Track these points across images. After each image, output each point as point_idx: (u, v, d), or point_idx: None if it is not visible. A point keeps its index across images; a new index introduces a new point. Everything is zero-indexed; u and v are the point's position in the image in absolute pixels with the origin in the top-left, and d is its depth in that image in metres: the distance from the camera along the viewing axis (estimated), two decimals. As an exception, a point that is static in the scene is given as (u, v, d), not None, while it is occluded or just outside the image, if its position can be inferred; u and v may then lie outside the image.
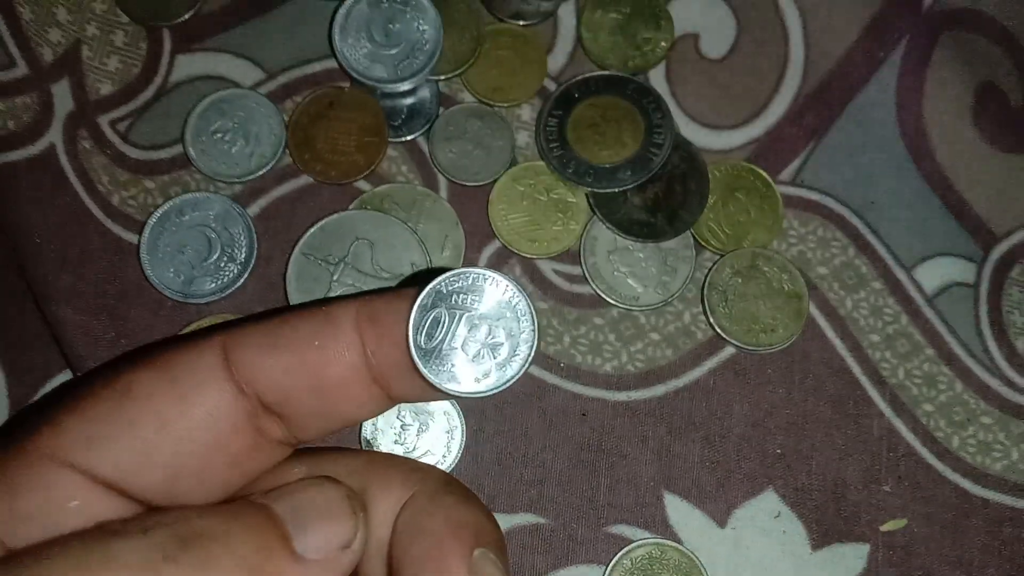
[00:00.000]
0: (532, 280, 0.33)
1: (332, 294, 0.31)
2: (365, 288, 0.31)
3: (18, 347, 0.32)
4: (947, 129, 0.34)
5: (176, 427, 0.20)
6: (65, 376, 0.32)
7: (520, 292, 0.22)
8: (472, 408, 0.31)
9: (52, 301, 0.31)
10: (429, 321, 0.21)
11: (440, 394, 0.22)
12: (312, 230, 0.32)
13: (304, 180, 0.33)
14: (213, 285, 0.31)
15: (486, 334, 0.22)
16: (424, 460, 0.30)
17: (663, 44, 0.34)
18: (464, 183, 0.33)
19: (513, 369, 0.22)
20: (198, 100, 0.33)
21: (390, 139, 0.33)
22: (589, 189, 0.33)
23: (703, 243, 0.33)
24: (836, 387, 0.32)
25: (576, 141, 0.33)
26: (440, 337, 0.21)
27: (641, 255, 0.33)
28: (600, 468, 0.31)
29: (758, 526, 0.31)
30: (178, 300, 0.31)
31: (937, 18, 0.35)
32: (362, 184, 0.33)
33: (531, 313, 0.22)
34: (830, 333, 0.33)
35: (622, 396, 0.32)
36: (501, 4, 0.34)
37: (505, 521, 0.31)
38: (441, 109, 0.33)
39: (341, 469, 0.22)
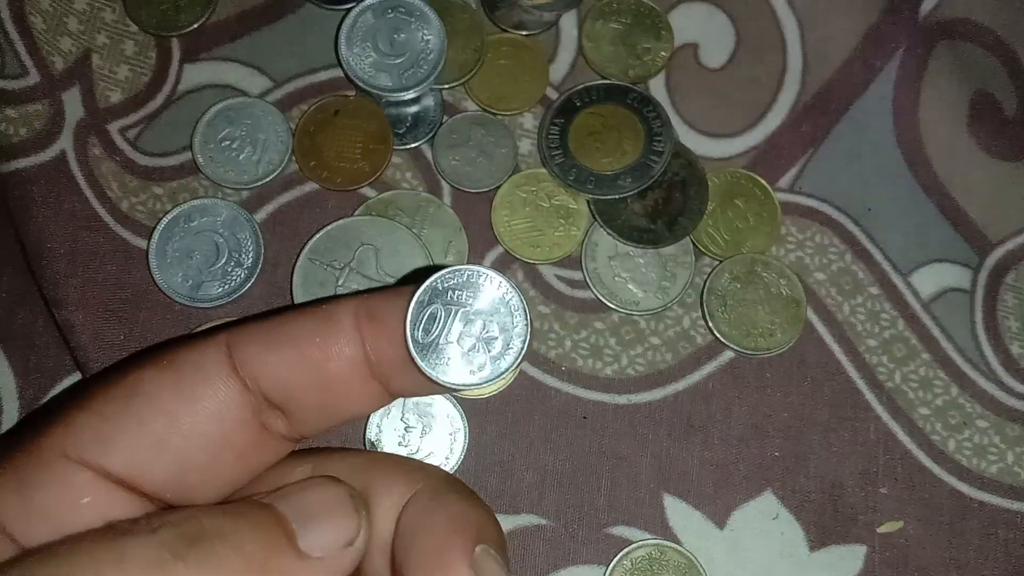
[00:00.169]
0: (534, 285, 0.33)
1: (337, 298, 0.32)
2: (370, 293, 0.32)
3: (29, 350, 0.32)
4: (943, 137, 0.34)
5: (184, 423, 0.21)
6: (75, 378, 0.32)
7: (513, 288, 0.22)
8: (475, 410, 0.32)
9: (62, 305, 0.32)
10: (426, 317, 0.22)
11: (437, 387, 0.22)
12: (318, 236, 0.32)
13: (310, 187, 0.33)
14: (220, 289, 0.32)
15: (480, 329, 0.22)
16: (427, 461, 0.31)
17: (663, 54, 0.35)
18: (467, 190, 0.33)
19: (507, 362, 0.22)
20: (206, 108, 0.33)
21: (395, 147, 0.34)
22: (590, 196, 0.33)
23: (702, 249, 0.33)
24: (833, 391, 0.33)
25: (577, 149, 0.33)
26: (436, 332, 0.22)
27: (641, 261, 0.33)
28: (600, 470, 0.32)
29: (756, 527, 0.32)
30: (186, 304, 0.32)
31: (933, 28, 0.35)
32: (367, 191, 0.33)
33: (524, 308, 0.22)
34: (828, 338, 0.33)
35: (622, 399, 0.32)
36: (504, 14, 0.35)
37: (507, 522, 0.31)
38: (445, 117, 0.34)
39: (344, 468, 0.22)
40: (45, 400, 0.32)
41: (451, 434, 0.32)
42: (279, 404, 0.22)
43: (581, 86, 0.34)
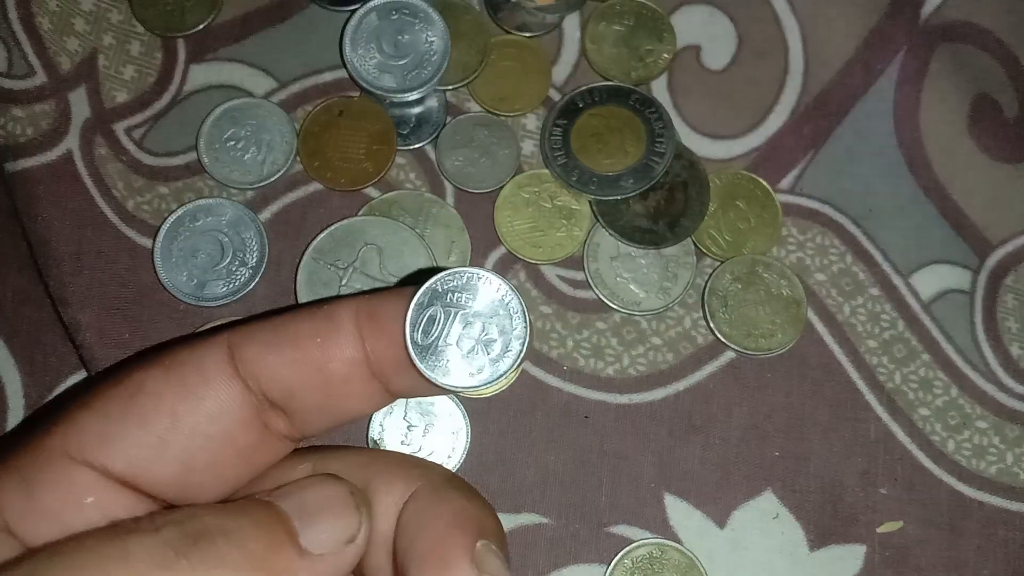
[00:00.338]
0: (536, 285, 0.33)
1: (341, 298, 0.32)
2: (373, 292, 0.32)
3: (34, 348, 0.33)
4: (943, 139, 0.35)
5: (186, 422, 0.21)
6: (80, 376, 0.33)
7: (512, 291, 0.22)
8: (477, 409, 0.32)
9: (68, 303, 0.32)
10: (425, 319, 0.22)
11: (436, 388, 0.22)
12: (322, 235, 0.33)
13: (314, 187, 0.34)
14: (225, 289, 0.32)
15: (480, 331, 0.22)
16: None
17: (665, 56, 0.35)
18: (470, 190, 0.34)
19: (505, 364, 0.22)
20: (212, 109, 0.33)
21: (398, 147, 0.34)
22: (592, 196, 0.33)
23: (704, 250, 0.34)
24: (834, 391, 0.33)
25: (580, 150, 0.34)
26: (436, 334, 0.22)
27: (643, 261, 0.33)
28: (602, 469, 0.32)
29: (757, 527, 0.32)
30: (190, 303, 0.32)
31: (934, 31, 0.35)
32: (371, 191, 0.34)
33: (523, 311, 0.22)
34: (828, 338, 0.33)
35: (624, 399, 0.33)
36: (507, 16, 0.35)
37: (508, 521, 0.31)
38: (448, 118, 0.34)
39: (345, 466, 0.22)
40: (50, 398, 0.33)
41: (453, 433, 0.32)
42: (280, 404, 0.22)
43: (584, 88, 0.34)
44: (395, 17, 0.34)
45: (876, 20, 0.35)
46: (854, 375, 0.33)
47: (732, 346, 0.33)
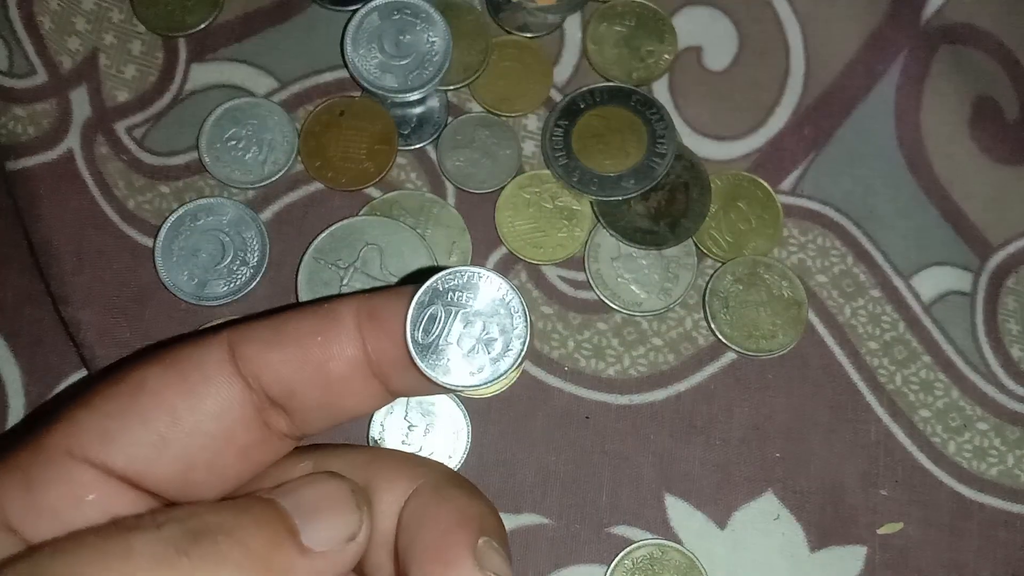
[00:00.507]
0: (537, 286, 0.33)
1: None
2: (374, 292, 0.32)
3: (35, 347, 0.33)
4: (944, 141, 0.35)
5: (187, 421, 0.21)
6: (80, 375, 0.33)
7: (513, 290, 0.22)
8: (478, 410, 0.32)
9: (69, 303, 0.32)
10: (426, 318, 0.22)
11: (436, 387, 0.22)
12: (323, 235, 0.33)
13: (315, 187, 0.34)
14: (226, 288, 0.32)
15: (480, 330, 0.22)
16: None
17: (667, 56, 0.35)
18: (471, 191, 0.34)
19: (506, 363, 0.22)
20: (213, 108, 0.33)
21: (400, 147, 0.34)
22: (593, 197, 0.33)
23: (705, 251, 0.34)
24: (834, 392, 0.33)
25: (581, 150, 0.34)
26: (436, 333, 0.22)
27: (644, 262, 0.33)
28: (602, 470, 0.32)
29: (757, 528, 0.32)
30: (191, 302, 0.32)
31: (935, 33, 0.35)
32: (372, 191, 0.34)
33: (524, 310, 0.22)
34: (829, 340, 0.33)
35: (624, 400, 0.33)
36: (508, 17, 0.35)
37: (509, 521, 0.31)
38: (449, 118, 0.34)
39: (346, 465, 0.22)
40: (50, 397, 0.33)
41: (454, 433, 0.32)
42: (281, 402, 0.22)
43: (585, 88, 0.34)
44: (396, 17, 0.34)
45: (877, 22, 0.35)
46: (855, 376, 0.33)
47: (733, 347, 0.33)
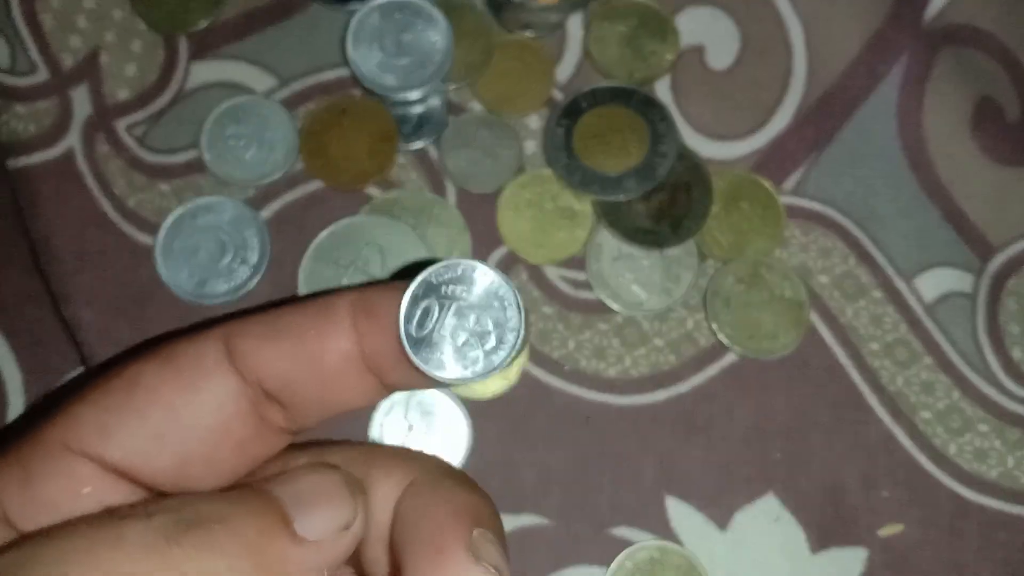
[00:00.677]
0: (538, 286, 0.33)
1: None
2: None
3: (36, 346, 0.33)
4: (946, 142, 0.35)
5: (183, 415, 0.21)
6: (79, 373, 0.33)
7: (506, 281, 0.22)
8: (478, 410, 0.32)
9: (69, 301, 0.32)
10: (420, 311, 0.22)
11: (431, 381, 0.22)
12: (323, 234, 0.32)
13: (316, 185, 0.34)
14: (225, 287, 0.32)
15: (474, 323, 0.22)
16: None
17: (669, 56, 0.35)
18: (472, 190, 0.34)
19: (500, 356, 0.22)
20: (213, 106, 0.33)
21: (400, 146, 0.34)
22: (595, 197, 0.33)
23: (706, 251, 0.34)
24: (836, 393, 0.33)
25: (582, 150, 0.34)
26: (430, 326, 0.22)
27: (645, 262, 0.33)
28: (603, 471, 0.32)
29: (758, 529, 0.32)
30: (192, 301, 0.32)
31: (937, 34, 0.35)
32: (372, 190, 0.34)
33: (516, 302, 0.22)
34: (830, 341, 0.33)
35: (625, 400, 0.33)
36: (510, 16, 0.35)
37: (509, 522, 0.31)
38: (451, 118, 0.34)
39: (343, 459, 0.22)
40: (47, 393, 0.33)
41: (454, 433, 0.32)
42: (277, 396, 0.22)
43: (587, 88, 0.34)
44: (398, 16, 0.34)
45: (879, 23, 0.35)
46: (856, 377, 0.33)
47: (734, 348, 0.33)
